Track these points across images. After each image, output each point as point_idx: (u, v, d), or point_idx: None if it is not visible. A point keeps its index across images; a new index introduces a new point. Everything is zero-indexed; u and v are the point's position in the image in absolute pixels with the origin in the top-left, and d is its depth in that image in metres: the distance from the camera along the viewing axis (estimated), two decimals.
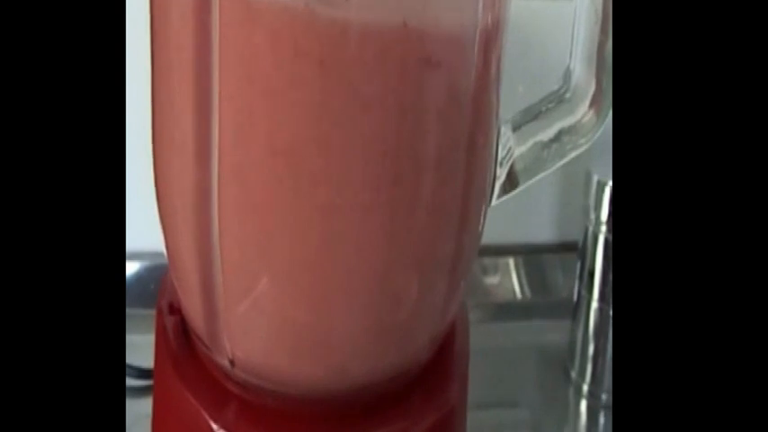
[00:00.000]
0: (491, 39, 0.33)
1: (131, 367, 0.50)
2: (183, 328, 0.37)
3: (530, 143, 0.38)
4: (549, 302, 0.59)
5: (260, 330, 0.34)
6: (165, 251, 0.36)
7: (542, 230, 0.61)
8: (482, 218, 0.36)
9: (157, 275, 0.53)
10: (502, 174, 0.38)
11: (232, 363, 0.34)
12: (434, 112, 0.32)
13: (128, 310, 0.53)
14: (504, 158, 0.38)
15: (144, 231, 0.52)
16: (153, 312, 0.41)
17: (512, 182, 0.38)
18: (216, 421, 0.35)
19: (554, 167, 0.38)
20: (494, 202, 0.38)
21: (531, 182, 0.38)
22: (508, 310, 0.59)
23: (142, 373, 0.50)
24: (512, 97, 0.37)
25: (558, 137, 0.38)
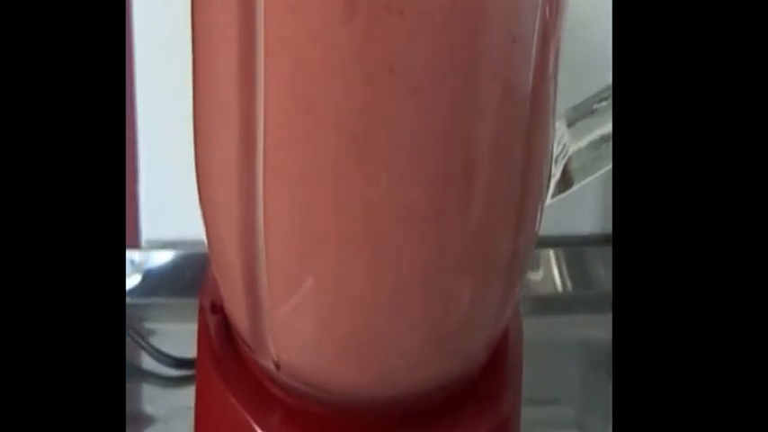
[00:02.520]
0: (549, 31, 0.32)
1: (168, 356, 0.50)
2: (226, 328, 0.36)
3: (586, 140, 0.37)
4: (592, 296, 0.58)
5: (306, 331, 0.33)
6: (204, 240, 0.35)
7: (584, 222, 0.60)
8: (539, 217, 0.35)
9: (194, 264, 0.53)
10: (557, 172, 0.37)
11: (277, 365, 0.33)
12: (490, 106, 0.31)
13: (164, 299, 0.54)
14: (558, 156, 0.36)
15: (180, 220, 0.51)
16: (189, 301, 0.40)
17: (566, 181, 0.37)
18: (260, 425, 0.34)
19: (610, 166, 0.37)
20: (548, 201, 0.36)
21: (586, 181, 0.37)
22: (549, 304, 0.58)
23: (178, 363, 0.49)
24: None
25: None
